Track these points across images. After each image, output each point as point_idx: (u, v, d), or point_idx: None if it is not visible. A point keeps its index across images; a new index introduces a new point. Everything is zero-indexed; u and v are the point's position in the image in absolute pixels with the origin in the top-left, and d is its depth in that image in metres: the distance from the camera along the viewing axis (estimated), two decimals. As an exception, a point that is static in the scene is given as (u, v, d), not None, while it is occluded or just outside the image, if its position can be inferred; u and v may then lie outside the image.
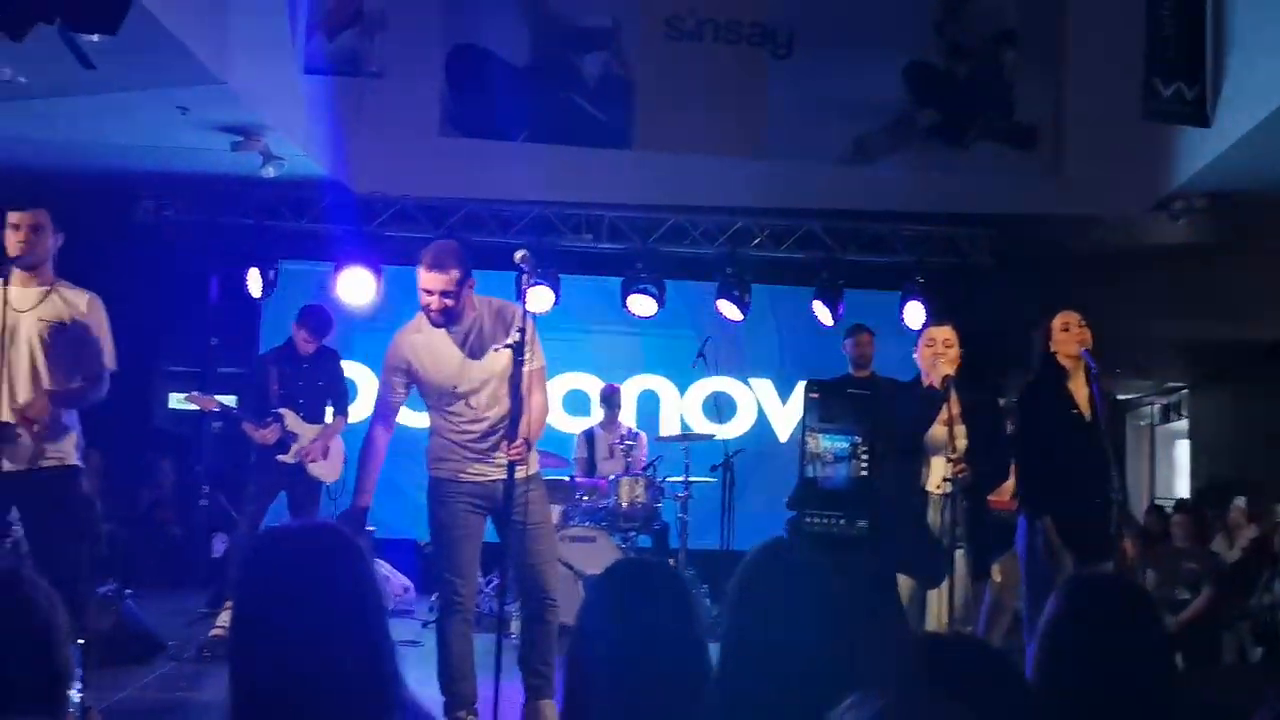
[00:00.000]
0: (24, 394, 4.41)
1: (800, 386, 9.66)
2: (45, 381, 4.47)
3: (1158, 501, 13.15)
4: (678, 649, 2.06)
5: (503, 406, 4.55)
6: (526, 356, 4.36)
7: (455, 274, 4.50)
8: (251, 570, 1.91)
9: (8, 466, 4.31)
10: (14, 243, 4.45)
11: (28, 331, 4.47)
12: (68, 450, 4.55)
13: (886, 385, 5.48)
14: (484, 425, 4.61)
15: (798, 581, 1.92)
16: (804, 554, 1.94)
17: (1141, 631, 1.98)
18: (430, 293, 4.49)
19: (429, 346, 4.60)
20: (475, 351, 4.57)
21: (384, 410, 4.70)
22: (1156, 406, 16.54)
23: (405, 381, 4.64)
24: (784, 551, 1.99)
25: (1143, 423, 16.90)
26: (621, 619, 2.07)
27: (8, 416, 4.35)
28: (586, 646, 2.08)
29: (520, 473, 4.36)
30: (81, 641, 2.21)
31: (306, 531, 1.94)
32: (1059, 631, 1.98)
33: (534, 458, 4.70)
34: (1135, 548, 8.30)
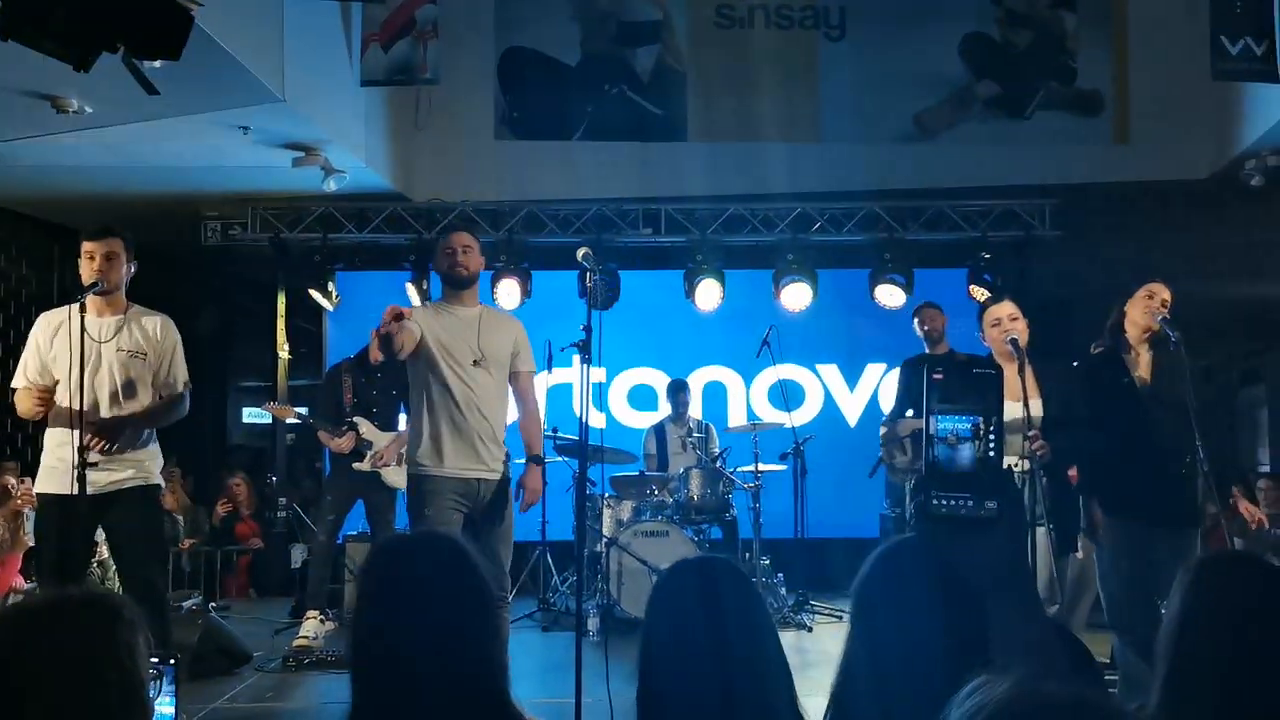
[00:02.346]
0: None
1: (870, 369, 9.65)
2: (125, 408, 4.57)
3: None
4: (746, 642, 2.04)
5: (496, 404, 4.82)
6: (524, 358, 4.90)
7: (477, 240, 4.92)
8: (373, 575, 1.94)
9: (93, 488, 4.40)
10: (89, 271, 4.54)
11: (108, 361, 4.57)
12: (150, 470, 4.66)
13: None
14: (475, 415, 4.73)
15: (924, 577, 1.89)
16: (927, 550, 1.92)
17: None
18: (468, 249, 4.82)
19: (442, 321, 4.78)
20: (484, 334, 4.80)
21: None
22: (1235, 371, 16.16)
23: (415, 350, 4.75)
24: (907, 551, 1.96)
25: (1220, 390, 16.52)
26: (684, 617, 2.06)
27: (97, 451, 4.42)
28: (654, 646, 2.07)
29: (497, 474, 4.77)
30: (173, 660, 2.23)
31: (429, 541, 1.97)
32: (1192, 618, 1.89)
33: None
34: (1222, 518, 8.16)
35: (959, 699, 1.26)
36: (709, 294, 8.81)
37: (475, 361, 4.74)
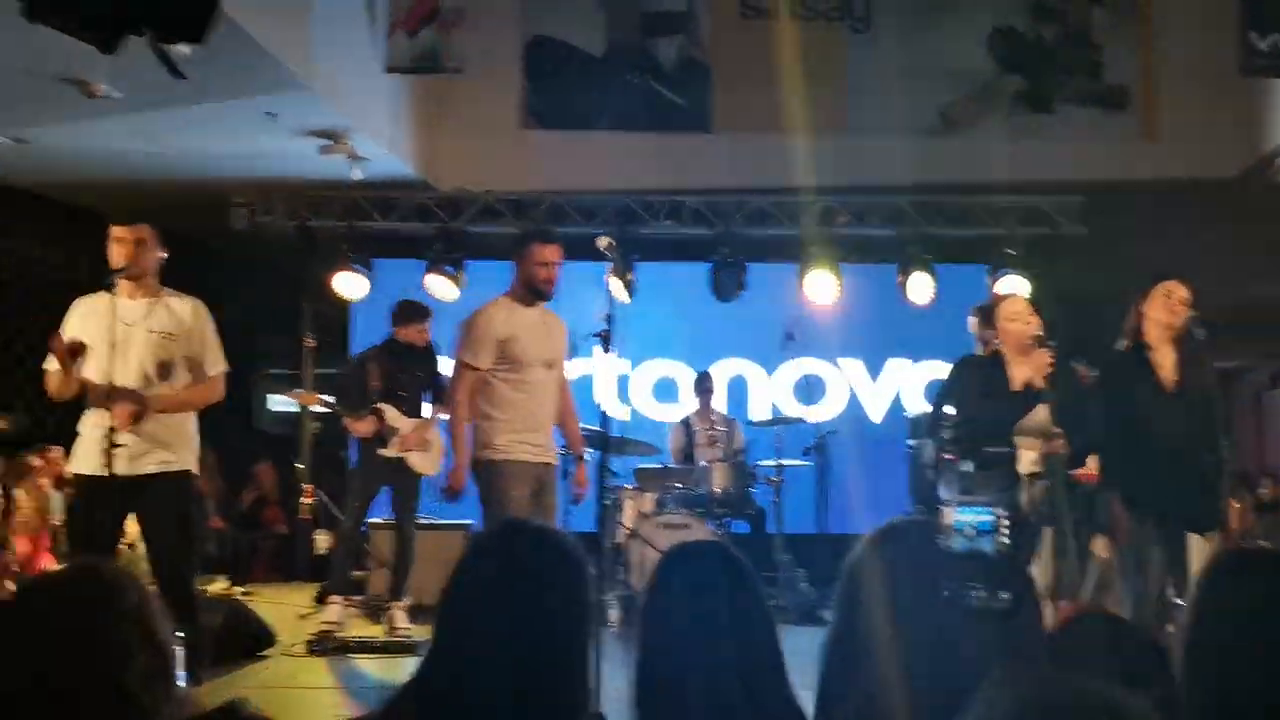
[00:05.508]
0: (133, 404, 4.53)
1: (892, 363, 9.60)
2: (158, 389, 4.58)
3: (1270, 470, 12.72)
4: (742, 629, 2.00)
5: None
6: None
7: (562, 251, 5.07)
8: (472, 562, 1.90)
9: (123, 470, 4.41)
10: (118, 255, 4.57)
11: (138, 344, 4.57)
12: (181, 455, 4.64)
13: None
14: (542, 404, 4.93)
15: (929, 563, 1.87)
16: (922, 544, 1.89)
17: None
18: (553, 264, 4.97)
19: (521, 322, 4.91)
20: (552, 332, 5.02)
21: (476, 385, 4.93)
22: (1262, 372, 16.00)
23: (498, 353, 4.88)
24: (915, 532, 1.93)
25: (1249, 390, 16.36)
26: (680, 602, 2.04)
27: (120, 425, 4.41)
28: (649, 632, 2.05)
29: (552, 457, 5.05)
30: (181, 635, 2.23)
31: (540, 533, 1.95)
32: (1208, 616, 1.86)
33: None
34: (1247, 517, 8.10)
35: (980, 692, 1.22)
36: (730, 286, 8.77)
37: (548, 363, 5.02)
